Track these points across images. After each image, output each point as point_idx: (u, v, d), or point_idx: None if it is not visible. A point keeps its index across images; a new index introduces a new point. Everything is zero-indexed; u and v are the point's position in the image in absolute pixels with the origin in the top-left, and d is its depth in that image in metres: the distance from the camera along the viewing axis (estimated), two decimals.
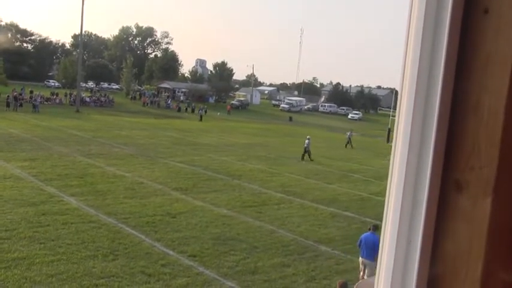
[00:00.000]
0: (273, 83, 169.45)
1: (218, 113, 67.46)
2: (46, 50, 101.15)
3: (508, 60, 0.67)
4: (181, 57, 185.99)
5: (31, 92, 58.30)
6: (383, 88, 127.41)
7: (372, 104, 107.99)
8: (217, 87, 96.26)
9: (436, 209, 0.73)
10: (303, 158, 28.92)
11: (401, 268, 0.74)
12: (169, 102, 76.79)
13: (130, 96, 79.86)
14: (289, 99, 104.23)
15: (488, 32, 0.69)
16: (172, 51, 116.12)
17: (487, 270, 0.69)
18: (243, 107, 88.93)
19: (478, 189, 0.69)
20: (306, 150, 29.09)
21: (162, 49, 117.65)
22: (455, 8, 0.70)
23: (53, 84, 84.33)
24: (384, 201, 0.81)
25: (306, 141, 29.45)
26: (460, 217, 0.71)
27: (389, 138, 43.55)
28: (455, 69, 0.72)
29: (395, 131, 0.77)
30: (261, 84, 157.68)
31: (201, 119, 55.91)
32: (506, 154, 0.68)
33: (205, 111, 63.70)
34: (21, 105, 48.81)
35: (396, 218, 0.75)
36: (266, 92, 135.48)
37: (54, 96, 62.69)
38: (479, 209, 0.69)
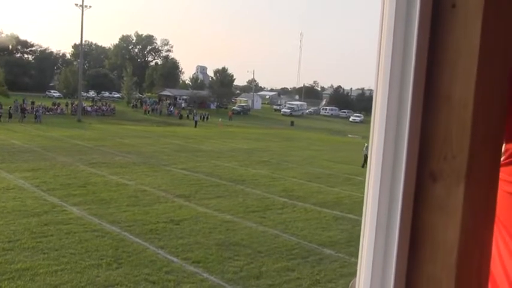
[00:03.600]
0: (274, 88, 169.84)
1: (220, 119, 67.58)
2: (47, 61, 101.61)
3: (475, 51, 0.70)
4: (181, 65, 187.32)
5: (32, 103, 58.51)
6: None
7: None
8: (218, 93, 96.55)
9: (412, 201, 0.75)
10: (363, 166, 29.41)
11: (381, 261, 0.76)
12: (171, 109, 76.98)
13: (131, 105, 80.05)
14: (290, 104, 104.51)
15: (456, 25, 0.71)
16: (173, 58, 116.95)
17: (463, 255, 0.71)
18: (245, 112, 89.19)
19: (451, 178, 0.71)
20: (366, 158, 29.57)
21: (162, 57, 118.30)
22: (424, 4, 0.72)
23: (54, 94, 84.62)
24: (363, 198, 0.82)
25: (364, 149, 30.21)
26: (435, 207, 0.73)
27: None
28: (427, 62, 0.74)
29: (371, 126, 0.79)
30: (262, 89, 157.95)
31: (195, 125, 56.54)
32: (476, 142, 0.70)
33: (207, 118, 63.73)
34: (24, 116, 48.98)
35: (374, 213, 0.76)
36: (267, 96, 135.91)
37: (56, 107, 62.94)
38: (453, 197, 0.71)
